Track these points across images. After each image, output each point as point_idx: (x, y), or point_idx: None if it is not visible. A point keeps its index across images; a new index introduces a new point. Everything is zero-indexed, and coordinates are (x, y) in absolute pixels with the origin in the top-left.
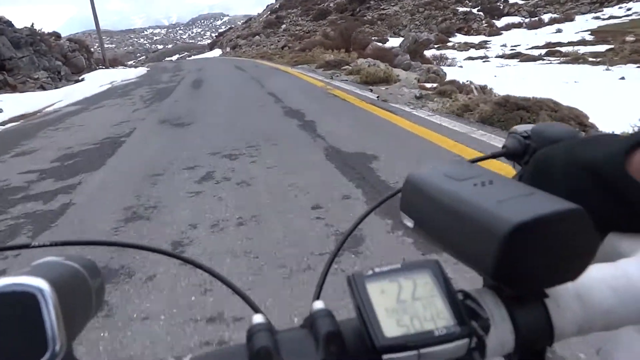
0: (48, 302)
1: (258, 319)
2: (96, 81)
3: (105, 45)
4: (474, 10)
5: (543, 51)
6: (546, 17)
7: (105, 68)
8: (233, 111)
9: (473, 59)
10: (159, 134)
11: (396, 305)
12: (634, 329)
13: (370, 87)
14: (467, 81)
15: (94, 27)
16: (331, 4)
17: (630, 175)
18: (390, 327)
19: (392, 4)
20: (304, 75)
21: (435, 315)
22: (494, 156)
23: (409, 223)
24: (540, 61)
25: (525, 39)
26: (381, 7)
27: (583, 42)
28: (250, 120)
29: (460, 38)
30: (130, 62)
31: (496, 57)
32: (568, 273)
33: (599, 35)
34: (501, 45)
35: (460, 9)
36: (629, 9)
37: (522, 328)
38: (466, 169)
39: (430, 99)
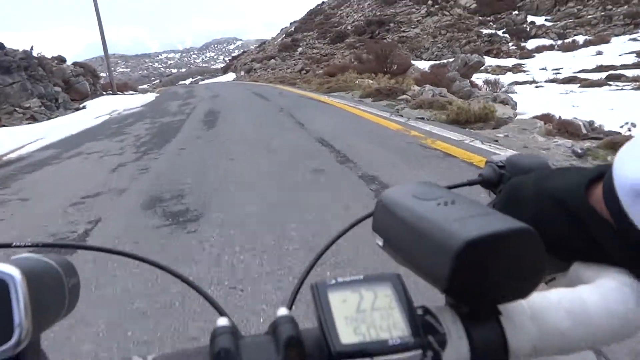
0: (18, 289)
1: (222, 322)
2: (96, 110)
3: (121, 70)
4: (499, 33)
5: (602, 75)
6: (580, 39)
7: (113, 94)
8: (272, 183)
9: (520, 84)
10: (125, 264)
11: (355, 315)
12: (591, 353)
13: (469, 127)
14: (628, 124)
15: (111, 52)
16: (349, 27)
17: (591, 206)
18: (348, 335)
19: (413, 27)
20: (351, 107)
21: (391, 325)
22: (470, 183)
23: (379, 242)
24: (607, 87)
25: (563, 62)
26: (401, 29)
27: None
28: (313, 215)
29: (490, 61)
30: (144, 86)
31: (547, 81)
32: (519, 291)
33: None
34: (540, 69)
35: (485, 31)
36: None
37: (477, 345)
38: (434, 190)
39: (600, 156)
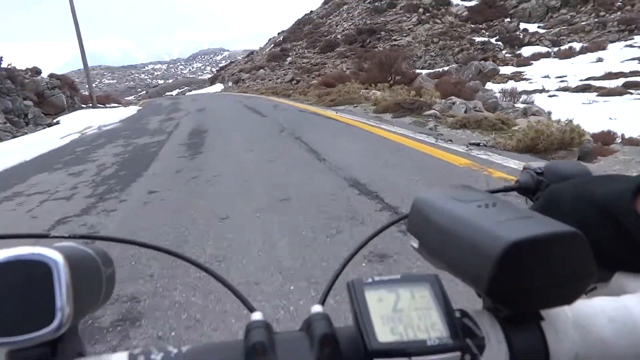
0: (61, 274)
1: (257, 316)
2: (69, 127)
3: (107, 81)
4: (492, 40)
5: (614, 82)
6: (577, 46)
7: (92, 107)
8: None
9: (529, 93)
10: None
11: (392, 314)
12: None
13: (550, 157)
14: None
15: (98, 63)
16: (339, 36)
17: (638, 215)
18: (384, 333)
19: (404, 35)
20: (371, 127)
21: (429, 326)
22: (507, 190)
23: (415, 243)
24: (628, 95)
25: (564, 69)
26: (393, 37)
27: None
28: None
29: None
30: (130, 97)
31: (558, 90)
32: (564, 296)
33: None
34: (543, 77)
35: (478, 39)
36: None
37: (517, 350)
38: (472, 192)
39: None
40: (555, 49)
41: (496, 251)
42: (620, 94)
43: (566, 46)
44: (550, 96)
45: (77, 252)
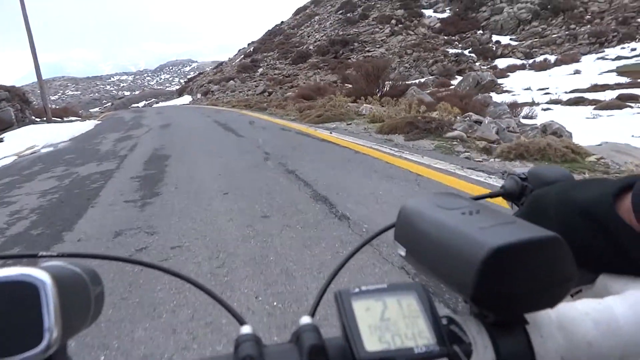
0: (48, 295)
1: (246, 329)
2: (9, 146)
3: (71, 92)
4: (466, 52)
5: (609, 95)
6: (552, 58)
7: (47, 122)
8: None
9: (518, 106)
10: None
11: (379, 323)
12: None
13: None
14: None
15: (61, 74)
16: (311, 47)
17: (619, 217)
18: (372, 343)
19: (377, 46)
20: (386, 155)
21: (416, 334)
22: (492, 196)
23: (402, 252)
24: (628, 109)
25: (542, 82)
26: (366, 49)
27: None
28: None
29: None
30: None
31: (548, 103)
32: (547, 299)
33: (633, 75)
34: (524, 89)
35: (451, 51)
36: (633, 49)
37: (503, 355)
38: (457, 200)
39: None
40: (530, 61)
41: (479, 257)
42: (619, 107)
43: (541, 58)
44: (544, 109)
45: (65, 272)
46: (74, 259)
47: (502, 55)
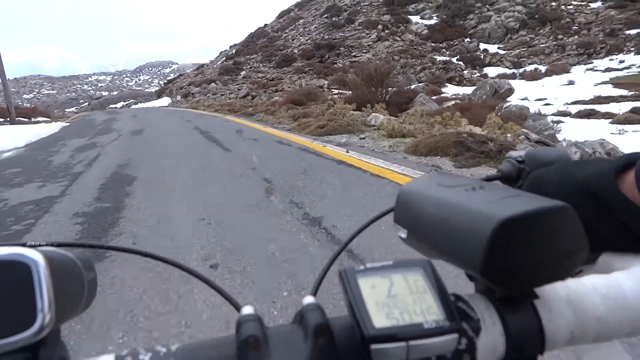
0: (41, 275)
1: (247, 310)
2: None
3: (46, 92)
4: (454, 60)
5: (616, 107)
6: (542, 68)
7: (10, 123)
8: None
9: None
10: None
11: (387, 300)
12: (621, 344)
13: None
14: None
15: (37, 73)
16: (295, 50)
17: (622, 193)
18: (380, 319)
19: (364, 51)
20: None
21: (425, 310)
22: (489, 179)
23: (403, 234)
24: None
25: (538, 92)
26: (352, 54)
27: None
28: None
29: (452, 89)
30: (72, 109)
31: (555, 114)
32: (557, 272)
33: (629, 87)
34: (521, 99)
35: (439, 58)
36: (621, 61)
37: (512, 331)
38: (458, 178)
39: None
40: (520, 70)
41: (488, 230)
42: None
43: (530, 68)
44: (554, 122)
45: (58, 255)
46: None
47: (490, 64)
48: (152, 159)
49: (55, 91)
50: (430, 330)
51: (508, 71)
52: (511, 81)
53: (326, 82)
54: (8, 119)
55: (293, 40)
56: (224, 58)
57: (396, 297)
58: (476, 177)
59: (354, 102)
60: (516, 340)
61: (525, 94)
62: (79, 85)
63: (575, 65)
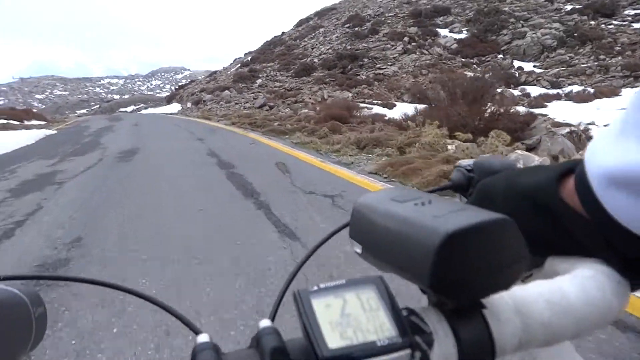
0: None
1: (203, 338)
2: None
3: (58, 92)
4: (486, 77)
5: None
6: (591, 90)
7: None
8: None
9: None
10: None
11: (340, 319)
12: (572, 345)
13: None
14: None
15: (50, 73)
16: (315, 59)
17: (563, 200)
18: (334, 340)
19: (389, 64)
20: None
21: (378, 327)
22: (441, 189)
23: (358, 249)
24: None
25: (589, 115)
26: (376, 65)
27: None
28: None
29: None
30: (82, 111)
31: None
32: (501, 282)
33: None
34: (576, 123)
35: (469, 74)
36: None
37: (464, 342)
38: (410, 192)
39: None
40: (565, 90)
41: (434, 244)
42: None
43: (573, 88)
44: None
45: (1, 295)
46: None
47: (526, 83)
48: (128, 234)
49: (67, 92)
50: (383, 347)
51: (550, 91)
52: (556, 102)
53: (350, 94)
54: None
55: (313, 49)
56: (239, 65)
57: (350, 316)
58: (429, 187)
59: (442, 125)
60: (468, 350)
61: (576, 117)
62: (91, 88)
63: (620, 87)
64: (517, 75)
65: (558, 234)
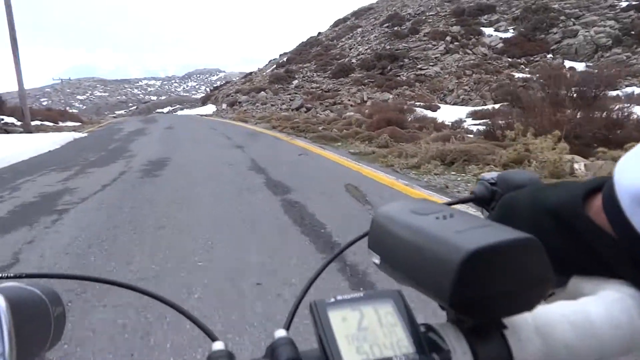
0: (2, 319)
1: (218, 346)
2: None
3: (98, 93)
4: (535, 78)
5: None
6: None
7: (24, 131)
8: None
9: None
10: None
11: (357, 333)
12: None
13: None
14: None
15: (91, 75)
16: (353, 60)
17: (589, 218)
18: (350, 354)
19: (431, 64)
20: None
21: (395, 343)
22: (463, 201)
23: (376, 260)
24: None
25: None
26: (417, 66)
27: None
28: None
29: None
30: (120, 112)
31: None
32: (524, 303)
33: None
34: None
35: (517, 75)
36: None
37: None
38: (431, 205)
39: None
40: (623, 91)
41: (456, 260)
42: None
43: (638, 90)
44: None
45: (21, 293)
46: (32, 280)
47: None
48: (133, 344)
49: (107, 94)
50: None
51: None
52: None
53: (391, 96)
54: (21, 122)
55: (350, 49)
56: (274, 66)
57: (367, 330)
58: (451, 199)
59: (533, 131)
60: None
61: None
62: (129, 89)
63: None
64: (568, 76)
65: (583, 252)
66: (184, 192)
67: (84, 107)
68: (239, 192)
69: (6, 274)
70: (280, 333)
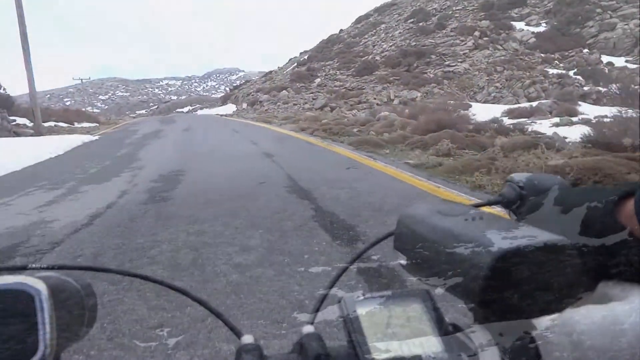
0: (44, 304)
1: (247, 339)
2: None
3: (120, 94)
4: (570, 74)
5: None
6: None
7: (34, 133)
8: None
9: None
10: None
11: (385, 330)
12: None
13: None
14: None
15: (112, 75)
16: (377, 57)
17: (620, 224)
18: (379, 351)
19: (460, 60)
20: None
21: (424, 341)
22: (490, 203)
23: (402, 260)
24: None
25: None
26: (445, 62)
27: None
28: None
29: (587, 108)
30: (142, 111)
31: None
32: (554, 306)
33: None
34: None
35: (551, 71)
36: None
37: None
38: (458, 207)
39: None
40: None
41: (487, 261)
42: None
43: None
44: None
45: (59, 282)
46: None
47: (618, 81)
48: None
49: (128, 93)
50: None
51: None
52: None
53: (419, 94)
54: (32, 124)
55: (374, 46)
56: (295, 64)
57: (395, 328)
58: (479, 200)
59: None
60: None
61: None
62: (150, 89)
63: None
64: (606, 71)
65: (612, 257)
66: (197, 239)
67: (106, 107)
68: (282, 234)
69: (39, 265)
70: (308, 329)
